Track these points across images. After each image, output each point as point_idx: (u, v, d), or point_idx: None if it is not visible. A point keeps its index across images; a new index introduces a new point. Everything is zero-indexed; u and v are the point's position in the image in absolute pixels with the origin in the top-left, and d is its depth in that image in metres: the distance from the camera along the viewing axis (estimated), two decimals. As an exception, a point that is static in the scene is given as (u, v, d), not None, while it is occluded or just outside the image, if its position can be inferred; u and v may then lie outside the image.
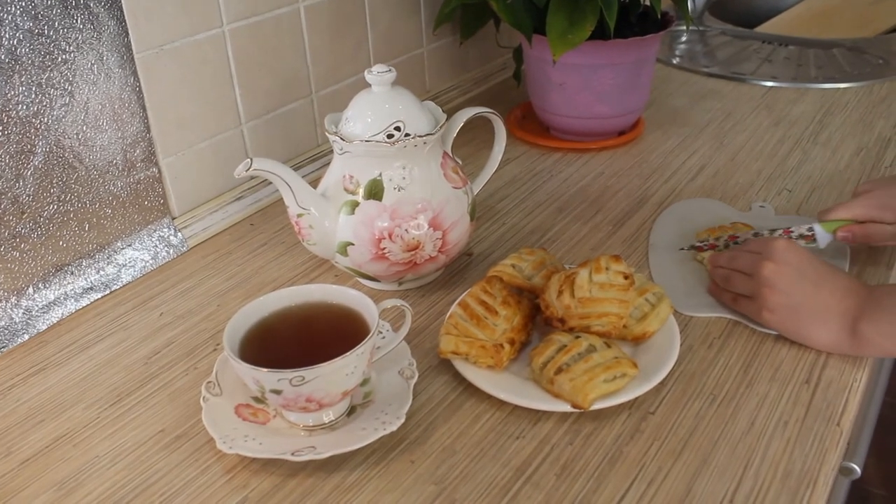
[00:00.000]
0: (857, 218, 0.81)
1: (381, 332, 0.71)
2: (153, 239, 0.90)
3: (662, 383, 0.69)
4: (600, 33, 0.99)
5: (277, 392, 0.60)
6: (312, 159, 1.07)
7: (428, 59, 1.25)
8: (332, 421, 0.65)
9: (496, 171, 0.88)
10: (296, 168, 1.04)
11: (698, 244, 0.86)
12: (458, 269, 0.87)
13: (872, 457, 1.35)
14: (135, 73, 0.84)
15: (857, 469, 0.83)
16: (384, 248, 0.75)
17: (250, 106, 0.98)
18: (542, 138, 1.16)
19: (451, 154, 0.81)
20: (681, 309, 0.78)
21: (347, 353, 0.59)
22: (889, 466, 1.85)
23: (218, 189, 0.98)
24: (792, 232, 0.83)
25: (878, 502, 1.78)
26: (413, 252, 0.76)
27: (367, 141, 0.74)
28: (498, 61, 1.41)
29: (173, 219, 0.93)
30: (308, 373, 0.58)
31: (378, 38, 1.13)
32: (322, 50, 1.05)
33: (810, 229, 0.82)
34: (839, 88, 1.33)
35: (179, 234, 0.92)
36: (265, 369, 0.59)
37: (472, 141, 1.10)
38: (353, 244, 0.76)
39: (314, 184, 0.80)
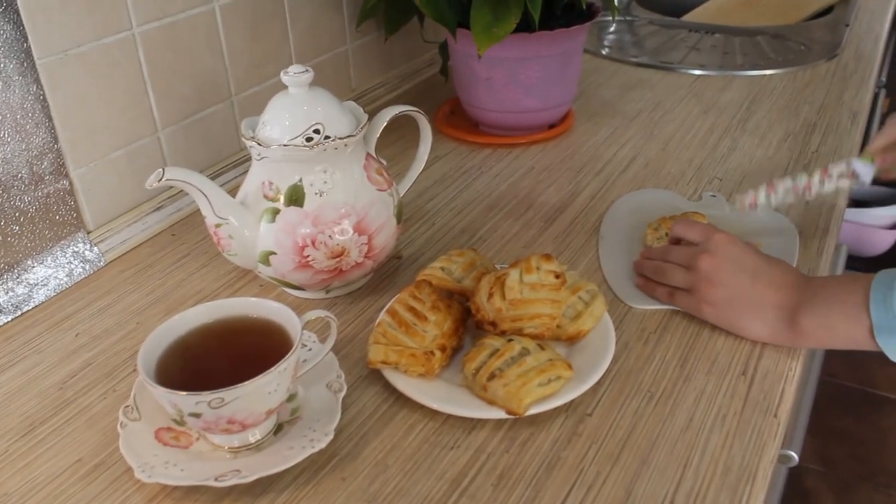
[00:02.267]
0: (890, 140, 0.80)
1: (306, 345, 0.68)
2: (67, 255, 0.85)
3: (599, 383, 0.67)
4: (525, 26, 0.98)
5: (197, 415, 0.57)
6: (235, 164, 1.03)
7: (353, 57, 1.22)
8: (259, 441, 0.62)
9: (424, 169, 0.86)
10: (217, 174, 1.00)
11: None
12: (387, 274, 0.84)
13: (808, 434, 1.37)
14: (37, 80, 0.79)
15: (795, 456, 0.83)
16: (308, 256, 0.72)
17: (166, 111, 0.94)
18: (471, 134, 1.14)
19: (374, 155, 0.78)
20: (629, 301, 0.77)
21: (268, 371, 0.56)
22: (823, 442, 1.88)
23: (136, 199, 0.93)
24: (830, 174, 0.81)
25: (812, 477, 1.81)
26: (338, 259, 0.73)
27: (285, 145, 0.71)
28: (425, 57, 1.39)
29: (88, 233, 0.88)
30: (227, 394, 0.55)
31: (299, 36, 1.10)
32: (240, 51, 1.01)
33: (850, 166, 0.80)
34: (765, 75, 1.34)
35: (95, 248, 0.88)
36: (182, 392, 0.56)
37: (399, 140, 1.07)
38: (275, 253, 0.73)
39: (237, 191, 0.76)
